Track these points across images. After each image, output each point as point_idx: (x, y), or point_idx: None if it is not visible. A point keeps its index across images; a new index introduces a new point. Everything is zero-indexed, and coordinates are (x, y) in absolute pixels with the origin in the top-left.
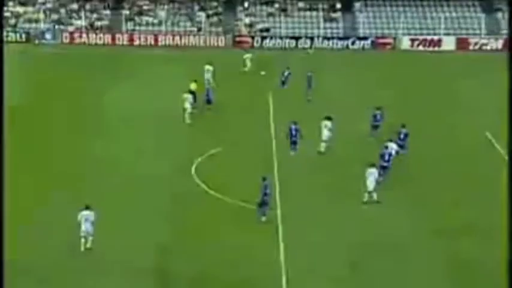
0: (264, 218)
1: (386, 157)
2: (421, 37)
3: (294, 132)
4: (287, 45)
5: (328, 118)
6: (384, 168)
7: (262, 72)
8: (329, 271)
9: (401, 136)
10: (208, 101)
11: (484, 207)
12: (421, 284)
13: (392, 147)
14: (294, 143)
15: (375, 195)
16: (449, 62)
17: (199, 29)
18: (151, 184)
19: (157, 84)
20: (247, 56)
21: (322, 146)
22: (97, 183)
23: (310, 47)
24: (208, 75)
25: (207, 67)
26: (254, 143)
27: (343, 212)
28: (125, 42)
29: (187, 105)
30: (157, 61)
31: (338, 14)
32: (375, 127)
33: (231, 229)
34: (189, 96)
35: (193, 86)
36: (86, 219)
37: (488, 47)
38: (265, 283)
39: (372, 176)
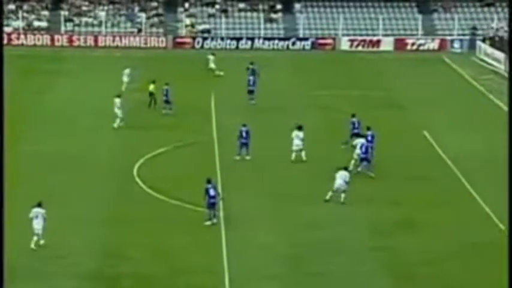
0: (210, 222)
1: (363, 149)
2: (360, 38)
3: (244, 135)
4: (228, 46)
5: (299, 128)
6: (363, 160)
7: (221, 73)
8: (271, 271)
9: (369, 138)
10: (167, 102)
11: (423, 206)
12: (361, 281)
13: (361, 141)
14: (244, 145)
15: (342, 196)
16: (387, 62)
17: (140, 30)
18: (90, 186)
19: (97, 84)
20: (211, 57)
21: (293, 156)
22: (35, 184)
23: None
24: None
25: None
26: (199, 144)
27: (288, 213)
28: (65, 43)
29: (117, 110)
30: (97, 62)
31: (278, 15)
32: (355, 135)
33: (173, 232)
34: (117, 101)
35: (151, 88)
36: (36, 216)
37: (425, 47)
38: (208, 287)
39: (341, 178)
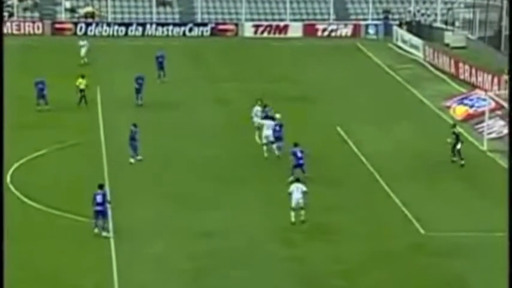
0: (98, 231)
1: (299, 154)
2: (265, 23)
3: (136, 136)
4: (115, 33)
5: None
6: (277, 139)
7: (85, 60)
8: (168, 284)
9: (277, 128)
10: (42, 96)
11: (337, 209)
12: None
13: (270, 122)
14: (134, 148)
15: (303, 213)
16: (296, 50)
17: (11, 15)
18: None
19: None
20: (84, 43)
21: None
22: None
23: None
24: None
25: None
26: (83, 145)
27: (185, 221)
28: None
29: None
30: None
31: None
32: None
33: (53, 246)
34: None
35: (80, 83)
36: None
37: (338, 33)
38: None
39: (297, 192)
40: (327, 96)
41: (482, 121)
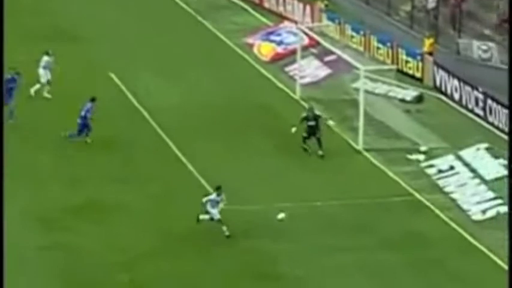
0: None
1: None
2: None
3: None
4: None
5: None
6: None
7: None
8: None
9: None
10: None
11: (111, 180)
12: None
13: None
14: None
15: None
16: None
17: None
18: None
19: None
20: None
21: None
22: None
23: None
24: None
25: None
26: None
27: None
28: None
29: None
30: None
31: None
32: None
33: None
34: None
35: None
36: None
37: None
38: None
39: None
40: (97, 35)
41: (294, 62)
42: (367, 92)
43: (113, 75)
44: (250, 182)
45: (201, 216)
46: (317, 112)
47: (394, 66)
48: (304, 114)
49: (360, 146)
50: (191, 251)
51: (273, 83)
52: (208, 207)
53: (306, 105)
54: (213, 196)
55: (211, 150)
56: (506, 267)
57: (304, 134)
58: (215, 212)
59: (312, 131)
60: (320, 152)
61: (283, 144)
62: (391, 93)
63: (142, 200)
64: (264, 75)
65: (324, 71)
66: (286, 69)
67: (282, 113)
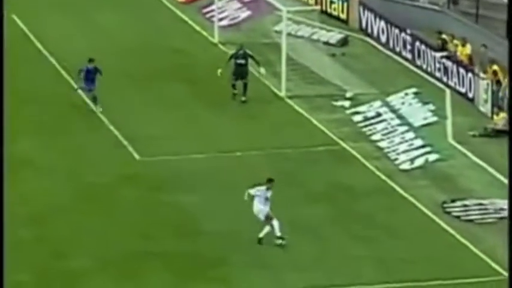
0: None
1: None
2: None
3: None
4: None
5: None
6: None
7: None
8: None
9: None
10: None
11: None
12: None
13: None
14: None
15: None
16: None
17: None
18: None
19: None
20: None
21: None
22: None
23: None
24: None
25: None
26: None
27: None
28: None
29: None
30: None
31: None
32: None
33: None
34: None
35: None
36: None
37: None
38: None
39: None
40: None
41: (212, 3)
42: (289, 35)
43: (15, 17)
44: (165, 131)
45: (261, 235)
46: (249, 52)
47: (317, 7)
48: (233, 51)
49: (282, 93)
50: (104, 206)
51: (190, 26)
52: (260, 205)
53: (224, 49)
54: (262, 191)
55: (122, 99)
56: (434, 217)
57: (233, 78)
58: (267, 210)
59: (240, 72)
60: (243, 98)
61: (200, 91)
62: (314, 36)
63: (49, 151)
64: (180, 17)
65: (244, 13)
66: (204, 10)
67: (199, 58)
